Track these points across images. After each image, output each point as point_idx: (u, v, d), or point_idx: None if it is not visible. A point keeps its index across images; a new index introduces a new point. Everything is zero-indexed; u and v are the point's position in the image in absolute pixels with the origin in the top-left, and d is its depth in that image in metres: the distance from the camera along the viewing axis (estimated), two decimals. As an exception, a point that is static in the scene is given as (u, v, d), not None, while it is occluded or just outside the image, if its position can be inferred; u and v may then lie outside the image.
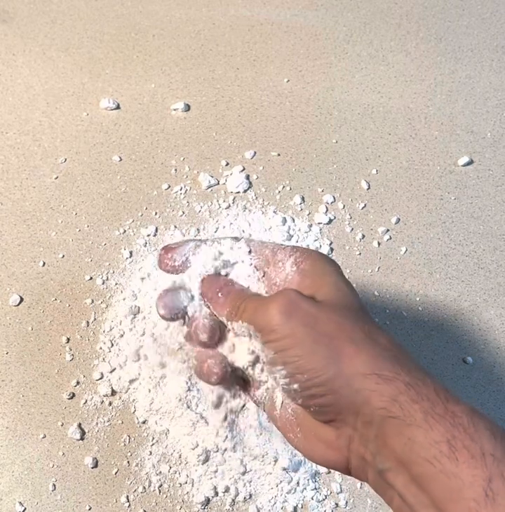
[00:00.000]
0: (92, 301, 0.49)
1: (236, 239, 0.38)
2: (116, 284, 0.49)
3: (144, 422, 0.45)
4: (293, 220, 0.53)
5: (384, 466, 0.27)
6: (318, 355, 0.29)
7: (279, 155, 0.55)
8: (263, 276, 0.36)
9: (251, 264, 0.36)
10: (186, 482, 0.44)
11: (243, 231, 0.51)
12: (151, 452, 0.45)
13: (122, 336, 0.47)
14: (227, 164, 0.55)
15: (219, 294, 0.35)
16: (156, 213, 0.52)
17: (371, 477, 0.29)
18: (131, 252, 0.50)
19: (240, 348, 0.35)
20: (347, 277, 0.34)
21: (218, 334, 0.36)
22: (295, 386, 0.30)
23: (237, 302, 0.34)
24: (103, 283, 0.49)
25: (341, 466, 0.30)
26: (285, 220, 0.52)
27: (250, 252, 0.37)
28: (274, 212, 0.53)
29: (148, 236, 0.51)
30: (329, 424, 0.30)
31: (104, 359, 0.47)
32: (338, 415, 0.29)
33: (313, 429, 0.31)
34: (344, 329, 0.29)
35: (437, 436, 0.26)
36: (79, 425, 0.45)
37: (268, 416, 0.34)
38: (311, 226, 0.52)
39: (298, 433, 0.32)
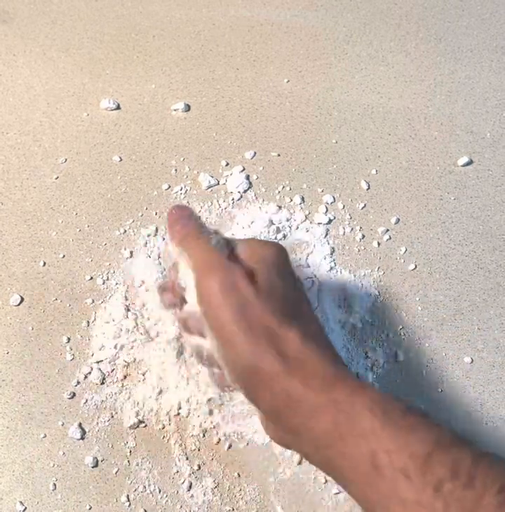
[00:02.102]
0: (93, 301, 0.49)
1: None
2: (117, 284, 0.49)
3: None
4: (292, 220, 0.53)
5: (302, 451, 0.31)
6: (237, 340, 0.32)
7: (279, 155, 0.56)
8: None
9: None
10: (186, 482, 0.44)
11: (243, 229, 0.51)
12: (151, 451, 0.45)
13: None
14: (227, 164, 0.55)
15: (178, 224, 0.37)
16: (156, 213, 0.52)
17: (297, 459, 0.34)
18: (131, 252, 0.51)
19: None
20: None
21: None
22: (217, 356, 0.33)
23: (187, 244, 0.35)
24: (103, 283, 0.49)
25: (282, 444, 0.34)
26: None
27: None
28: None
29: (148, 236, 0.51)
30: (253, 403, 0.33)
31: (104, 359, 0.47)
32: (251, 398, 0.32)
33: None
34: (263, 322, 0.32)
35: (326, 426, 0.29)
36: (80, 424, 0.45)
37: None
38: (310, 225, 0.52)
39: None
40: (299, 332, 0.32)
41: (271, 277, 0.34)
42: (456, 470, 0.25)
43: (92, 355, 0.46)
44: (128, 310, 0.47)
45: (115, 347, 0.46)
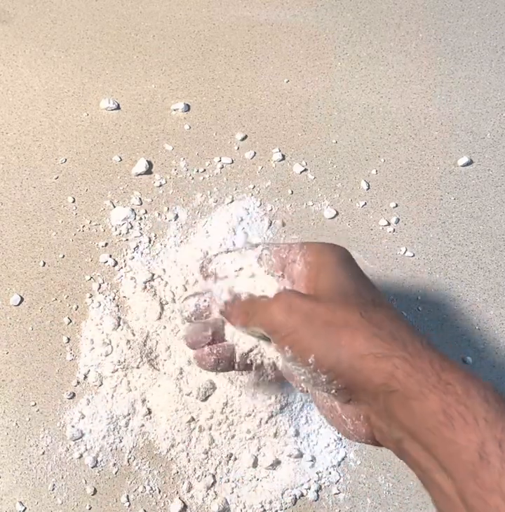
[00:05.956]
0: (92, 301, 0.49)
1: (254, 246, 0.38)
2: (114, 284, 0.49)
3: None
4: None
5: (398, 436, 0.30)
6: (319, 345, 0.31)
7: (282, 155, 0.56)
8: (283, 277, 0.36)
9: (265, 271, 0.37)
10: (186, 482, 0.44)
11: (244, 230, 0.51)
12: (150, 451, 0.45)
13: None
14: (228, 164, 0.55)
15: (232, 316, 0.37)
16: (158, 214, 0.52)
17: (392, 447, 0.31)
18: (131, 252, 0.51)
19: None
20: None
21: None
22: (309, 375, 0.32)
23: (247, 308, 0.36)
24: (103, 283, 0.49)
25: (371, 439, 0.33)
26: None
27: (259, 259, 0.37)
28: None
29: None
30: (350, 404, 0.32)
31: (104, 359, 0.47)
32: (352, 394, 0.31)
33: (341, 410, 0.33)
34: (339, 316, 0.31)
35: (433, 406, 0.27)
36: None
37: (315, 402, 0.36)
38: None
39: (333, 414, 0.34)
40: (386, 312, 0.31)
41: (330, 275, 0.34)
42: None
43: (85, 356, 0.46)
44: (119, 311, 0.47)
45: (105, 349, 0.46)
